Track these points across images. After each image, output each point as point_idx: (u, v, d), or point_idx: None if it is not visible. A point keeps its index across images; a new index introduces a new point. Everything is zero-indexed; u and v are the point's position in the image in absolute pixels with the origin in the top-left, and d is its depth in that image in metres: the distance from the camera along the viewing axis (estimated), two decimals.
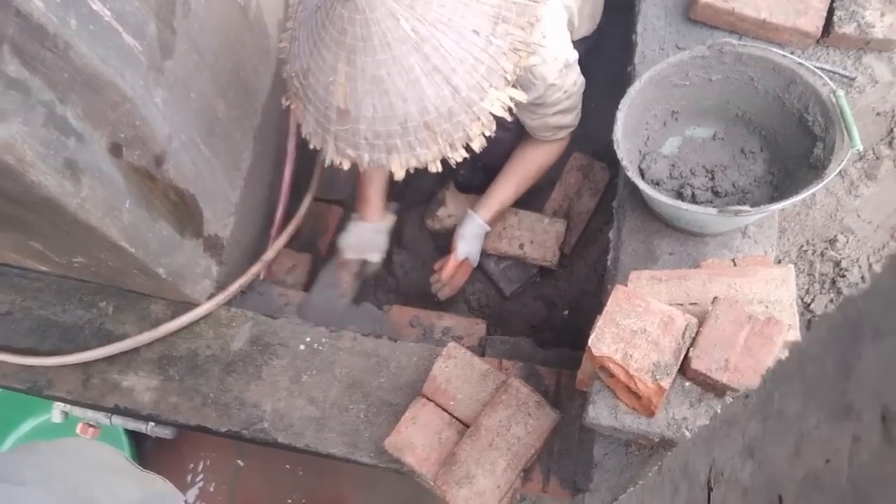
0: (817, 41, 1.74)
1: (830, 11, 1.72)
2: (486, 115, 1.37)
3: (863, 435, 0.23)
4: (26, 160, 1.16)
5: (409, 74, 1.30)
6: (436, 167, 1.43)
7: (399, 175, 1.43)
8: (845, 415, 0.25)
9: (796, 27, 1.70)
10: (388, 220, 2.08)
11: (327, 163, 1.47)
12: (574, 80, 1.71)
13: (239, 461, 2.43)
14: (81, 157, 1.28)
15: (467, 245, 2.04)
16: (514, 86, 1.39)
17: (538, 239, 2.10)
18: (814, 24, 1.70)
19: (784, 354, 0.34)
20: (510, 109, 1.39)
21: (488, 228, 2.03)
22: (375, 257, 2.07)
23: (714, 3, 1.73)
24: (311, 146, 1.50)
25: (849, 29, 1.70)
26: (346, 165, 1.45)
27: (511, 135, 1.85)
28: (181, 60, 1.51)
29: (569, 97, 1.72)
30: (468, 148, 1.42)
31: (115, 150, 1.37)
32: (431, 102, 1.33)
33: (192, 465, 2.45)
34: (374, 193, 2.02)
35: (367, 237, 2.05)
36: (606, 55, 2.08)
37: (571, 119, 1.82)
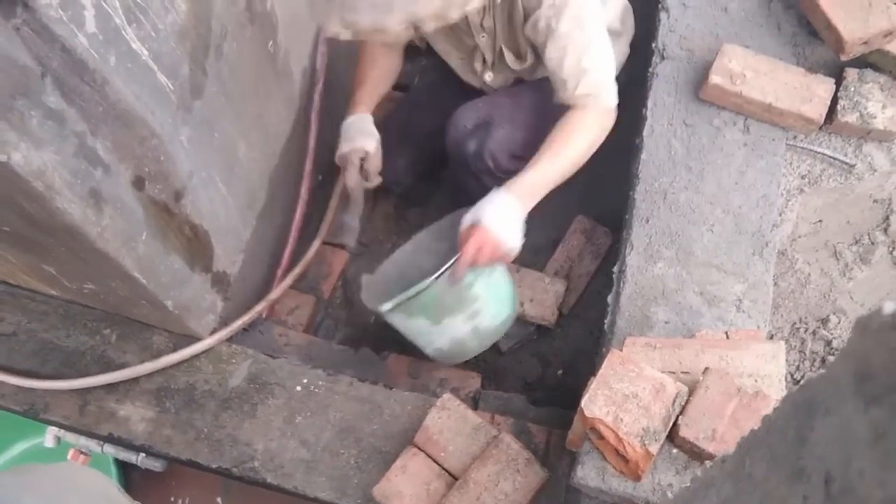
0: (820, 127, 1.80)
1: (834, 100, 1.78)
2: None
3: (810, 494, 0.27)
4: (54, 187, 1.21)
5: None
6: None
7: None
8: (798, 477, 0.28)
9: (801, 113, 1.76)
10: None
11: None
12: (577, 13, 1.64)
13: (219, 499, 2.42)
14: (106, 187, 1.33)
15: (478, 210, 1.67)
16: None
17: (538, 297, 2.13)
18: (818, 111, 1.76)
19: (756, 425, 0.38)
20: None
21: (513, 202, 1.66)
22: (370, 144, 1.97)
23: (723, 85, 1.79)
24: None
25: (851, 118, 1.77)
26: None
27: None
28: (209, 101, 1.57)
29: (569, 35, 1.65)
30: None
31: (139, 183, 1.42)
32: None
33: (172, 499, 2.44)
34: (363, 91, 2.00)
35: (354, 128, 1.99)
36: (616, 125, 2.14)
37: (583, 67, 1.67)
